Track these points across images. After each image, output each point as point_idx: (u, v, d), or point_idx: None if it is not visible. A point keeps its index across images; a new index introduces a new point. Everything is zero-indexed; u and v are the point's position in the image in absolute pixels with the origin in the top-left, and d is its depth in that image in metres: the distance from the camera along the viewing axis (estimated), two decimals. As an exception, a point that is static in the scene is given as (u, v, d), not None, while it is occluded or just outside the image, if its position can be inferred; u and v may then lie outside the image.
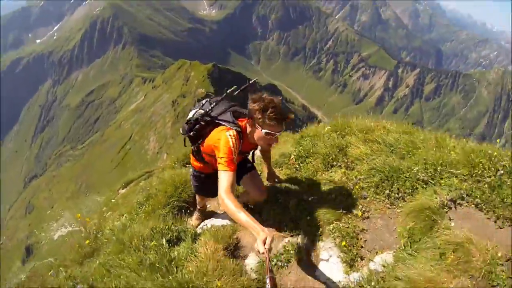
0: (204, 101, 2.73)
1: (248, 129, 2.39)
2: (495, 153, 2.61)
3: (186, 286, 2.20)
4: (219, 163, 2.22)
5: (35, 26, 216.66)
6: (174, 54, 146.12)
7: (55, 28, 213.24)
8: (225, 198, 2.07)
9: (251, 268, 2.58)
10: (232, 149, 2.22)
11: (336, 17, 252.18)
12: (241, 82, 2.64)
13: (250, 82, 2.70)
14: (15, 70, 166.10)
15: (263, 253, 1.75)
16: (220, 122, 2.48)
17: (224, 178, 2.16)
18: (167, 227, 2.96)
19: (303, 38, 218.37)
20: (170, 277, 2.29)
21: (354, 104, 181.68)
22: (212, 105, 2.59)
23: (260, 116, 2.21)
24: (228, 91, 2.66)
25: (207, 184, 2.86)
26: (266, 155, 3.17)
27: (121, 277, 2.49)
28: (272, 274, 1.62)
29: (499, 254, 1.98)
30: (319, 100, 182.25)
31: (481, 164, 2.58)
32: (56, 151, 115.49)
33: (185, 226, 3.11)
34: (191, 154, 2.90)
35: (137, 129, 78.18)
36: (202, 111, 2.61)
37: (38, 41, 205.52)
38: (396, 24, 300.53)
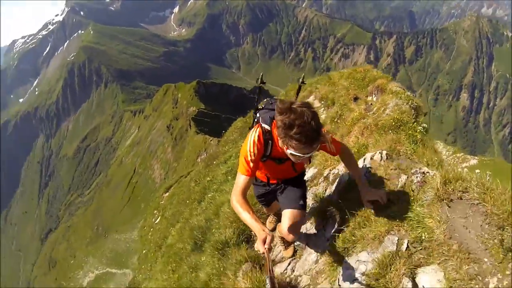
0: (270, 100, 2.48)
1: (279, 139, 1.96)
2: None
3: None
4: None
5: (14, 86, 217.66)
6: (155, 81, 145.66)
7: (34, 84, 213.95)
8: (233, 199, 2.06)
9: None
10: (248, 152, 2.05)
11: (303, 5, 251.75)
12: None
13: (258, 86, 2.70)
14: (5, 134, 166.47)
15: (263, 253, 1.73)
16: (259, 118, 2.24)
17: (237, 180, 2.11)
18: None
19: (276, 34, 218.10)
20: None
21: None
22: (265, 103, 2.40)
23: (283, 134, 1.80)
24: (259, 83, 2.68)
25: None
26: (346, 160, 2.39)
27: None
28: (272, 274, 1.59)
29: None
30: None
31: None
32: (64, 202, 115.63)
33: None
34: None
35: (139, 162, 77.17)
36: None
37: (21, 100, 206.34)
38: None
